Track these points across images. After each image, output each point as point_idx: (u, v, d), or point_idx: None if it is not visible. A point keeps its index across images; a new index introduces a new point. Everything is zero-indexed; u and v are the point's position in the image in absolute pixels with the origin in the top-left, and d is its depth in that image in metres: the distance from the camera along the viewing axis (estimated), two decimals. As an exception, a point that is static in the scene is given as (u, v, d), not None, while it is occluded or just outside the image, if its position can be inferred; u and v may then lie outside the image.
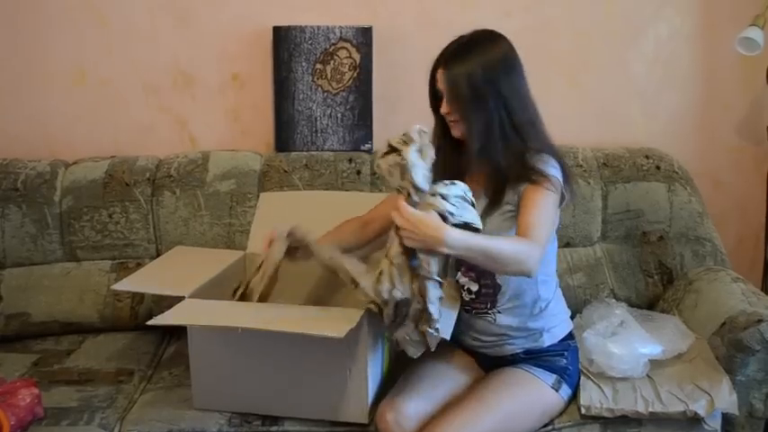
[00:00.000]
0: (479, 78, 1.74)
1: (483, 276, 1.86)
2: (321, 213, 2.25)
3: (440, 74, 1.79)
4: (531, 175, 1.75)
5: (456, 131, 1.82)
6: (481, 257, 1.64)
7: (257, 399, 1.85)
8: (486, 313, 1.88)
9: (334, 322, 1.67)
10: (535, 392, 1.82)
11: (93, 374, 2.07)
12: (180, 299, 1.86)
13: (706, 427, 1.83)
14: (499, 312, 1.87)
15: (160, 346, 2.26)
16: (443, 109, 1.80)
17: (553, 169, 1.77)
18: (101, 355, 2.18)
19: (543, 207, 1.73)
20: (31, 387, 1.84)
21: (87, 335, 2.30)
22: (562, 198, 1.79)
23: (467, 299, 1.90)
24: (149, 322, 1.75)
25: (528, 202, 1.73)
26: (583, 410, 1.83)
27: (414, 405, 1.78)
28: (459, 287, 1.91)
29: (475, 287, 1.87)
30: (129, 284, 2.08)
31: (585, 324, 2.05)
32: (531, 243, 1.66)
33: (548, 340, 1.88)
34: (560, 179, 1.77)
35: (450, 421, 1.72)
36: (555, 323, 1.90)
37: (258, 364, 1.84)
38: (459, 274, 1.90)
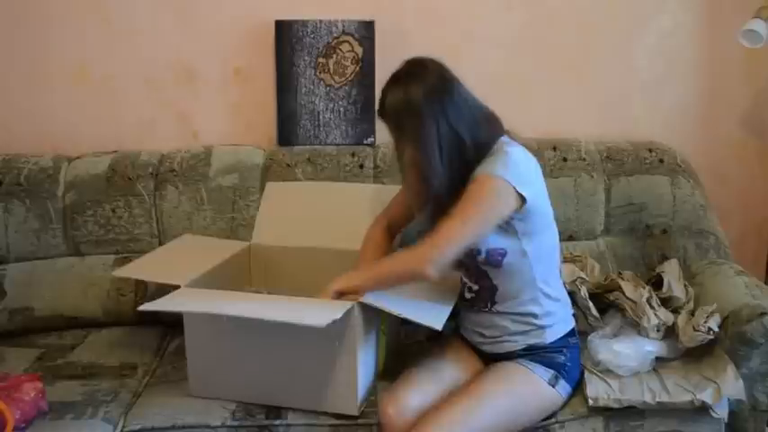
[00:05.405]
0: (419, 103, 1.73)
1: (480, 277, 1.86)
2: (326, 204, 2.27)
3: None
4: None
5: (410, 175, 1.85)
6: (385, 283, 1.80)
7: (250, 387, 1.86)
8: (489, 311, 1.87)
9: (319, 312, 1.67)
10: (531, 388, 1.81)
11: (96, 369, 2.07)
12: (176, 287, 1.88)
13: (714, 415, 1.82)
14: (498, 312, 1.86)
15: (163, 340, 2.26)
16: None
17: (491, 166, 1.71)
18: (104, 349, 2.19)
19: (460, 210, 1.70)
20: (36, 381, 1.84)
21: (91, 329, 2.30)
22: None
23: (468, 297, 1.90)
24: (140, 308, 1.79)
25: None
26: (590, 402, 1.82)
27: (415, 398, 1.77)
28: (463, 284, 1.91)
29: (476, 287, 1.88)
30: (129, 271, 2.11)
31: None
32: (421, 246, 1.72)
33: (548, 338, 1.86)
34: (497, 174, 1.70)
35: (445, 416, 1.71)
36: (555, 321, 1.88)
37: (250, 354, 1.84)
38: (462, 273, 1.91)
